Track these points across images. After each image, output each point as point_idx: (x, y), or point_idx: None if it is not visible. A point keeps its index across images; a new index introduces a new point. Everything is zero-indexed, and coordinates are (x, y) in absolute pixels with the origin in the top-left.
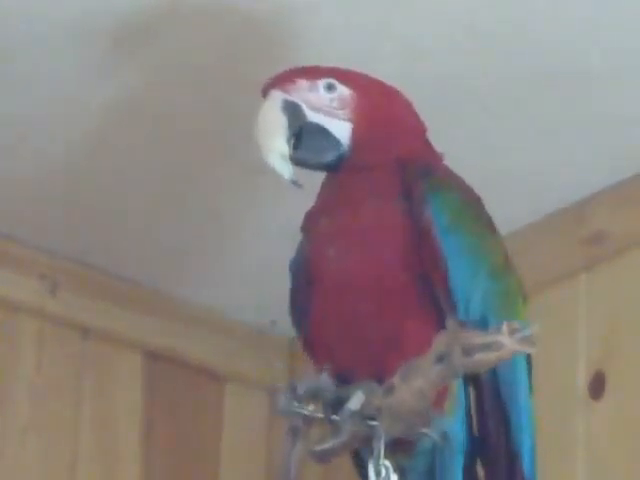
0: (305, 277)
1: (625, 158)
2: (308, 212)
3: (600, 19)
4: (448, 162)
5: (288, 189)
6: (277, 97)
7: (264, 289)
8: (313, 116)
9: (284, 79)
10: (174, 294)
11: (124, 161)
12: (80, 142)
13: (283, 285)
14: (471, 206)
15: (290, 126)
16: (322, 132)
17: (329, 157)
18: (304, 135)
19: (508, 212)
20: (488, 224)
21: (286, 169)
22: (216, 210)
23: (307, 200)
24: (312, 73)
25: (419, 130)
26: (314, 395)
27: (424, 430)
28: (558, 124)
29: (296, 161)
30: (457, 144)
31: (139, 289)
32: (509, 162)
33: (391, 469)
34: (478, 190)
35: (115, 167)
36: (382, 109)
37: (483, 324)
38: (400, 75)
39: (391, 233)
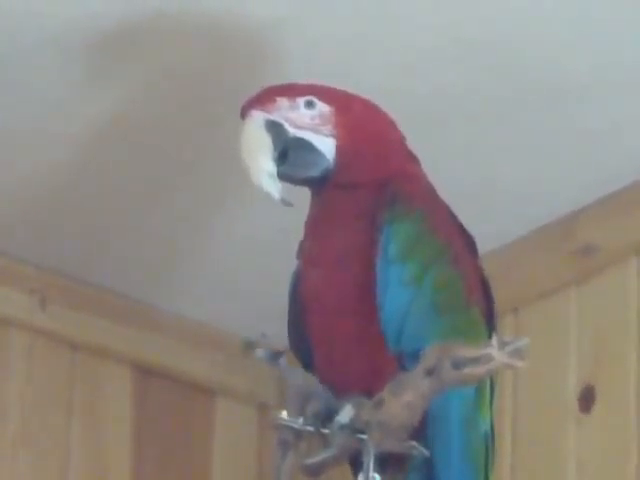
0: (299, 302)
1: (612, 171)
2: (302, 240)
3: (585, 34)
4: (435, 177)
5: (281, 203)
6: (259, 117)
7: (254, 302)
8: (297, 132)
9: (264, 99)
10: (163, 308)
11: (110, 176)
12: (66, 158)
13: (273, 298)
14: (427, 238)
15: (275, 145)
16: (307, 146)
17: (315, 171)
18: (290, 150)
19: (496, 226)
20: (446, 257)
21: (275, 188)
22: (205, 224)
23: (298, 214)
24: (291, 91)
25: (399, 142)
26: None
27: (413, 444)
28: (544, 137)
29: (282, 176)
30: (443, 158)
31: (128, 303)
32: (496, 176)
33: None
34: (465, 205)
35: (101, 182)
36: (362, 124)
37: (415, 357)
38: (385, 89)
39: (363, 257)
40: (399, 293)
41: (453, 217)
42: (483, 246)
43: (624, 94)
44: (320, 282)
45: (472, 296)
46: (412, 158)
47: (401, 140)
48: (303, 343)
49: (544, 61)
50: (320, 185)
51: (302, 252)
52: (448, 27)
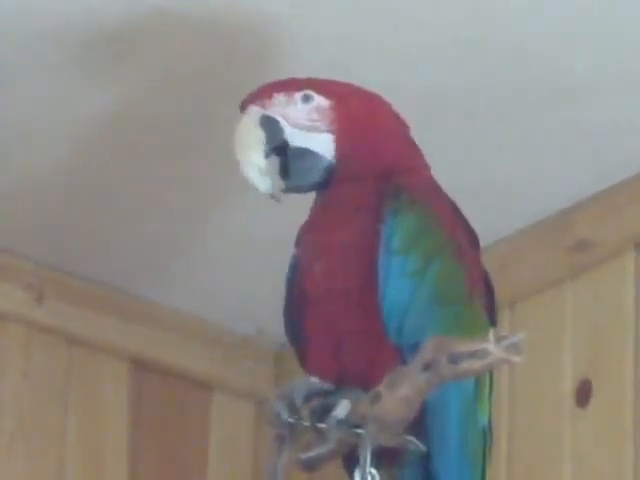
0: (297, 292)
1: (608, 167)
2: (301, 227)
3: (585, 34)
4: (434, 174)
5: (270, 198)
6: (255, 112)
7: (250, 297)
8: (292, 132)
9: (262, 94)
10: (160, 303)
11: (109, 172)
12: (65, 154)
13: (269, 293)
14: (431, 230)
15: (268, 141)
16: (306, 154)
17: (319, 175)
18: (290, 162)
19: (493, 221)
20: (450, 250)
21: (263, 183)
22: (202, 219)
23: (295, 210)
24: (289, 86)
25: (402, 132)
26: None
27: (410, 438)
28: (542, 134)
29: (290, 189)
30: (441, 154)
31: (125, 298)
32: (493, 172)
33: (377, 477)
34: (463, 200)
35: (100, 177)
36: (362, 116)
37: (415, 350)
38: (385, 86)
39: (366, 250)
40: (401, 285)
41: (457, 211)
42: (480, 241)
43: (624, 94)
44: (322, 274)
45: (474, 289)
46: (416, 150)
47: (404, 132)
48: (298, 333)
49: (544, 61)
50: (327, 184)
51: (303, 244)
52: (448, 26)
